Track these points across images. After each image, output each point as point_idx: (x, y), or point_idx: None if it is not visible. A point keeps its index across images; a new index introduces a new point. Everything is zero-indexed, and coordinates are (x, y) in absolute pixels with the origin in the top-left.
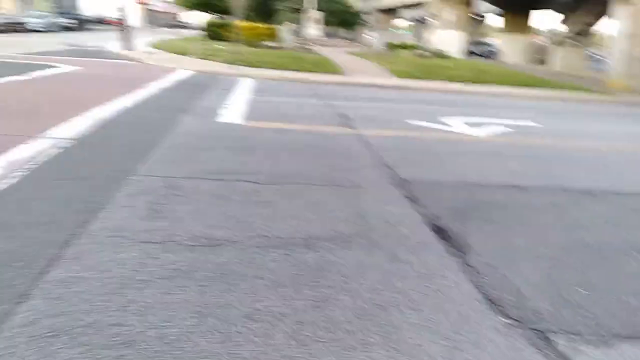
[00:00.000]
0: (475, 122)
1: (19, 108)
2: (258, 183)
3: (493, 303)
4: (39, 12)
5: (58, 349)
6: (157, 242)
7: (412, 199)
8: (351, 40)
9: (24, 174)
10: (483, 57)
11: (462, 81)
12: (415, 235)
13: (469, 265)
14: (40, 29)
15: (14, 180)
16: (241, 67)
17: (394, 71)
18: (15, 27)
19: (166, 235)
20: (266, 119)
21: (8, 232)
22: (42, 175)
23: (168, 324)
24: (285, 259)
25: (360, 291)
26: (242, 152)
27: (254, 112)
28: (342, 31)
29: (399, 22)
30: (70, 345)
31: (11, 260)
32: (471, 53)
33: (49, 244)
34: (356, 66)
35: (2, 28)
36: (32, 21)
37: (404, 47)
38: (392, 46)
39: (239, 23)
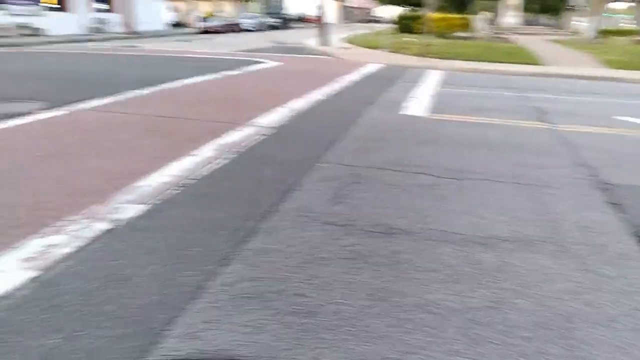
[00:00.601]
0: None
1: (230, 99)
2: (437, 176)
3: None
4: (251, 14)
5: (251, 309)
6: (339, 225)
7: (616, 205)
8: (555, 27)
9: (233, 156)
10: None
11: None
12: (615, 245)
13: None
14: (252, 29)
15: (225, 161)
16: (430, 59)
17: (604, 61)
18: (232, 28)
19: (347, 219)
20: (451, 112)
21: (218, 204)
22: (246, 158)
23: (344, 301)
24: (460, 255)
25: (542, 298)
26: (424, 145)
27: (439, 105)
28: (544, 18)
29: (616, 5)
30: (261, 307)
31: (219, 228)
32: None
33: (249, 217)
34: (558, 56)
35: (223, 29)
36: (245, 22)
37: (620, 33)
38: (605, 32)
39: (431, 15)
